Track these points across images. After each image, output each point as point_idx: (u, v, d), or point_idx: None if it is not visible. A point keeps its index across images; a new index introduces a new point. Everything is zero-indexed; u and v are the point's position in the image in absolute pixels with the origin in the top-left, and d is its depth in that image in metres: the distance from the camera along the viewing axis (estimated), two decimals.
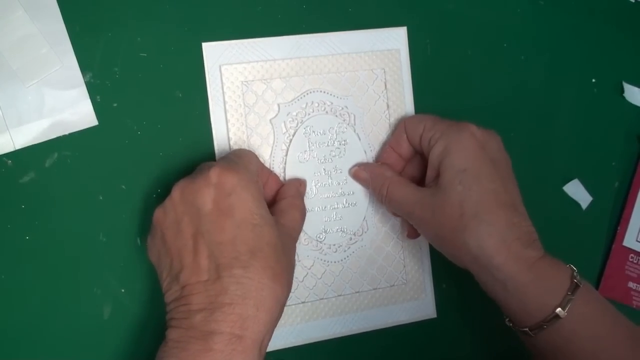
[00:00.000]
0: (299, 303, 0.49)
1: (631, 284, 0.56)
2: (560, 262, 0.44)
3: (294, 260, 0.43)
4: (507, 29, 0.54)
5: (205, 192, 0.40)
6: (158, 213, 0.41)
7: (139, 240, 0.46)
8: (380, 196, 0.48)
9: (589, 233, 0.56)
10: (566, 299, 0.42)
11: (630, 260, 0.56)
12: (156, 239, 0.41)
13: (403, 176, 0.49)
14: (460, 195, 0.43)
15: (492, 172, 0.44)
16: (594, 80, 0.56)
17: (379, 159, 0.51)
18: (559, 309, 0.41)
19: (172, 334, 0.38)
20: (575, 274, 0.43)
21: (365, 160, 0.50)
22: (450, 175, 0.43)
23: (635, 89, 0.56)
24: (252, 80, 0.48)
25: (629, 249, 0.56)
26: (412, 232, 0.51)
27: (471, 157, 0.44)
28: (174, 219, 0.40)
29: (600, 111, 0.56)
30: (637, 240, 0.56)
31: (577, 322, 0.42)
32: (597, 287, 0.56)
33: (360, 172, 0.50)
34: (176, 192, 0.41)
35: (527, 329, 0.43)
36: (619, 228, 0.57)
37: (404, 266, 0.51)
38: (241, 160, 0.43)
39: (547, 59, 0.55)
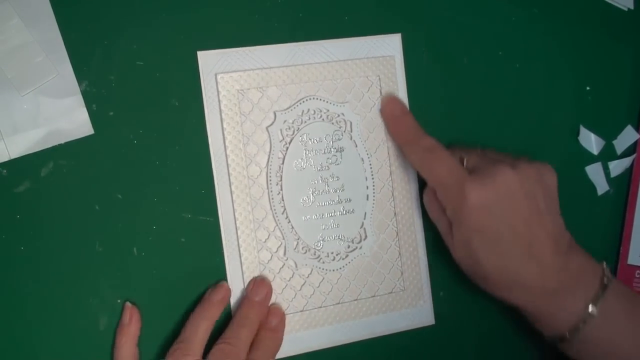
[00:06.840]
0: (297, 312, 0.49)
1: None
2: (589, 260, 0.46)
3: None
4: (502, 37, 0.54)
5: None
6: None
7: (135, 250, 0.46)
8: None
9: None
10: (597, 296, 0.44)
11: (637, 276, 0.56)
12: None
13: None
14: None
15: None
16: (588, 88, 0.56)
17: None
18: (590, 307, 0.43)
19: None
20: (604, 270, 0.46)
21: (362, 169, 0.50)
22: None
23: (591, 134, 0.56)
24: (248, 89, 0.48)
25: (634, 266, 0.56)
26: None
27: None
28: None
29: (595, 119, 0.56)
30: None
31: (610, 319, 0.44)
32: None
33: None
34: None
35: (565, 333, 0.45)
36: (621, 248, 0.56)
37: (402, 273, 0.51)
38: None
39: (542, 67, 0.55)
